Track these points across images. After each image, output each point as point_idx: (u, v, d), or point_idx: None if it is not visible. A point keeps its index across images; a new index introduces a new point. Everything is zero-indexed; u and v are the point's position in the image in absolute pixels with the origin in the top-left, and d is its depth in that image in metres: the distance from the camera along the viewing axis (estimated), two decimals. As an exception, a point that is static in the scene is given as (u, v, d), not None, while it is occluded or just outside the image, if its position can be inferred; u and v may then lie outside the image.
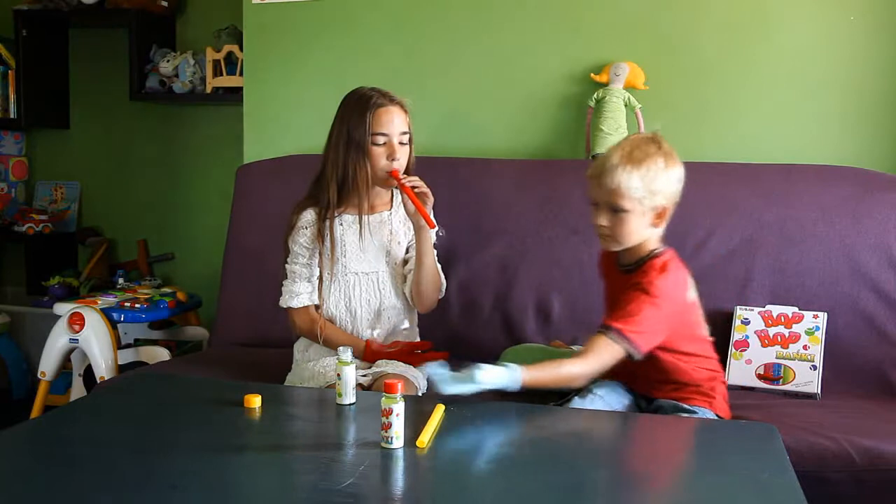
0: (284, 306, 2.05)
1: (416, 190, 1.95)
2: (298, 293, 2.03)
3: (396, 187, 2.01)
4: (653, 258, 1.73)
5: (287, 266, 2.05)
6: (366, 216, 2.01)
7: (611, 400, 1.80)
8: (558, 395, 1.90)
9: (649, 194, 1.67)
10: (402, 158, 1.97)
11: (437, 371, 1.56)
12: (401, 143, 1.97)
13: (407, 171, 2.01)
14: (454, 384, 1.54)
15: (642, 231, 1.71)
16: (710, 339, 1.84)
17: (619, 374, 1.82)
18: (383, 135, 1.94)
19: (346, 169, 1.97)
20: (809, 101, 2.49)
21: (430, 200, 1.98)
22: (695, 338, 1.79)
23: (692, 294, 1.77)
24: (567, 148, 2.65)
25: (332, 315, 2.04)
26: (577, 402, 1.79)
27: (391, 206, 2.09)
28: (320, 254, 2.02)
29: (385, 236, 2.06)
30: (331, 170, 1.99)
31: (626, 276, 1.76)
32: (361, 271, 2.04)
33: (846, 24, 2.45)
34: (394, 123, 1.95)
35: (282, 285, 2.07)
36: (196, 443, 1.38)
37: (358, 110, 1.95)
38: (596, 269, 1.99)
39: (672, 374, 1.77)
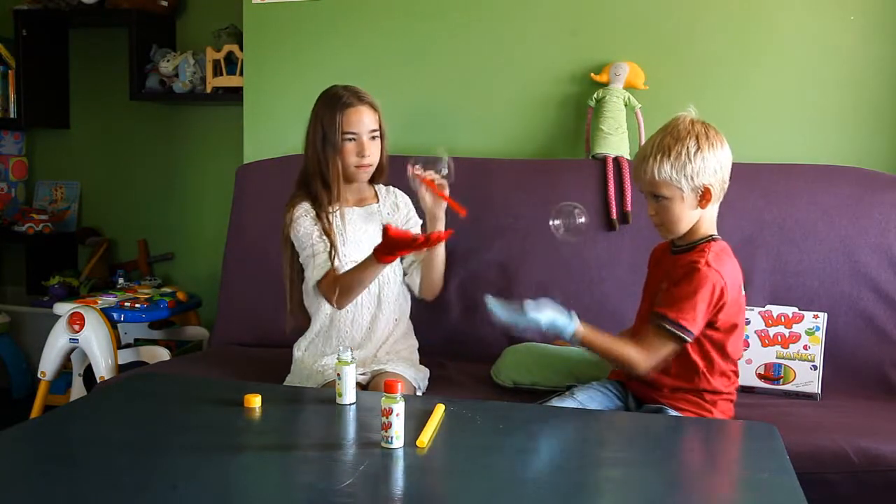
0: (315, 282, 2.02)
1: (435, 182, 2.00)
2: (322, 265, 2.01)
3: (372, 181, 2.11)
4: (708, 242, 1.74)
5: (303, 252, 2.04)
6: (349, 208, 2.08)
7: (589, 405, 1.79)
8: (542, 395, 1.91)
9: (685, 178, 1.67)
10: (372, 154, 2.05)
11: (493, 301, 1.67)
12: (372, 139, 2.05)
13: (380, 167, 2.10)
14: (508, 314, 1.65)
15: (689, 214, 1.72)
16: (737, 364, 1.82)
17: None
18: (353, 133, 2.02)
19: (324, 164, 2.04)
20: (809, 101, 2.49)
21: (447, 191, 2.03)
22: (731, 334, 1.74)
23: (742, 289, 1.77)
24: (567, 148, 2.65)
25: None
26: (555, 402, 1.80)
27: (377, 199, 2.17)
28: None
29: (378, 226, 2.08)
30: (313, 166, 2.06)
31: (677, 256, 1.77)
32: (361, 259, 2.05)
33: (846, 24, 2.45)
34: (363, 122, 2.03)
35: (288, 283, 2.09)
36: (196, 443, 1.38)
37: (329, 110, 2.04)
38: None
39: (684, 367, 1.73)
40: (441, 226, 2.04)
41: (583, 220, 1.95)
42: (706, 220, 1.75)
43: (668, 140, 1.68)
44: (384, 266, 1.91)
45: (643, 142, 2.53)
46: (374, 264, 1.87)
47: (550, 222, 1.97)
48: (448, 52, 2.71)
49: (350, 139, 2.02)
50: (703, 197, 1.70)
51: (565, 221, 1.98)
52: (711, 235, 1.75)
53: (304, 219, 2.04)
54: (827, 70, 2.48)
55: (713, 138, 1.70)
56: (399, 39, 2.75)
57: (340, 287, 1.96)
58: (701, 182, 1.68)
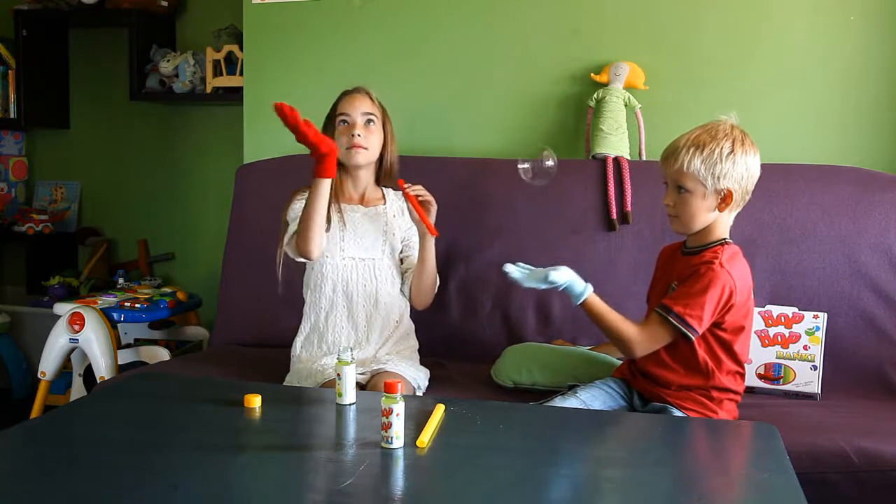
0: (289, 246, 2.04)
1: (420, 198, 2.03)
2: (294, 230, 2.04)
3: (355, 165, 2.11)
4: (720, 245, 1.76)
5: (290, 226, 2.05)
6: (354, 205, 2.11)
7: (592, 404, 1.80)
8: (542, 395, 1.91)
9: (712, 177, 1.70)
10: (365, 137, 2.08)
11: (514, 268, 1.73)
12: (366, 123, 2.10)
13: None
14: (530, 280, 1.72)
15: (705, 214, 1.74)
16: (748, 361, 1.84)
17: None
18: (345, 115, 2.11)
19: None
20: (809, 101, 2.49)
21: (434, 207, 2.06)
22: (738, 336, 1.76)
23: (751, 293, 1.78)
24: (567, 148, 2.65)
25: (330, 298, 2.07)
26: (557, 402, 1.80)
27: (384, 200, 2.18)
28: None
29: (381, 227, 2.13)
30: None
31: (688, 257, 1.78)
32: (358, 256, 2.09)
33: (846, 24, 2.45)
34: (355, 105, 2.11)
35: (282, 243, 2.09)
36: (196, 443, 1.38)
37: (332, 104, 2.15)
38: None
39: (693, 365, 1.74)
40: (428, 239, 2.08)
41: (550, 162, 2.01)
42: (721, 224, 1.77)
43: (705, 137, 1.72)
44: (325, 182, 1.93)
45: (643, 142, 2.53)
46: (315, 184, 1.92)
47: (518, 166, 2.04)
48: (448, 52, 2.71)
49: (342, 121, 2.10)
50: (724, 200, 1.73)
51: (533, 164, 2.02)
52: (724, 239, 1.77)
53: (301, 201, 2.05)
54: (827, 70, 2.48)
55: (748, 146, 1.73)
56: (399, 39, 2.75)
57: (299, 229, 1.98)
58: (725, 185, 1.71)
